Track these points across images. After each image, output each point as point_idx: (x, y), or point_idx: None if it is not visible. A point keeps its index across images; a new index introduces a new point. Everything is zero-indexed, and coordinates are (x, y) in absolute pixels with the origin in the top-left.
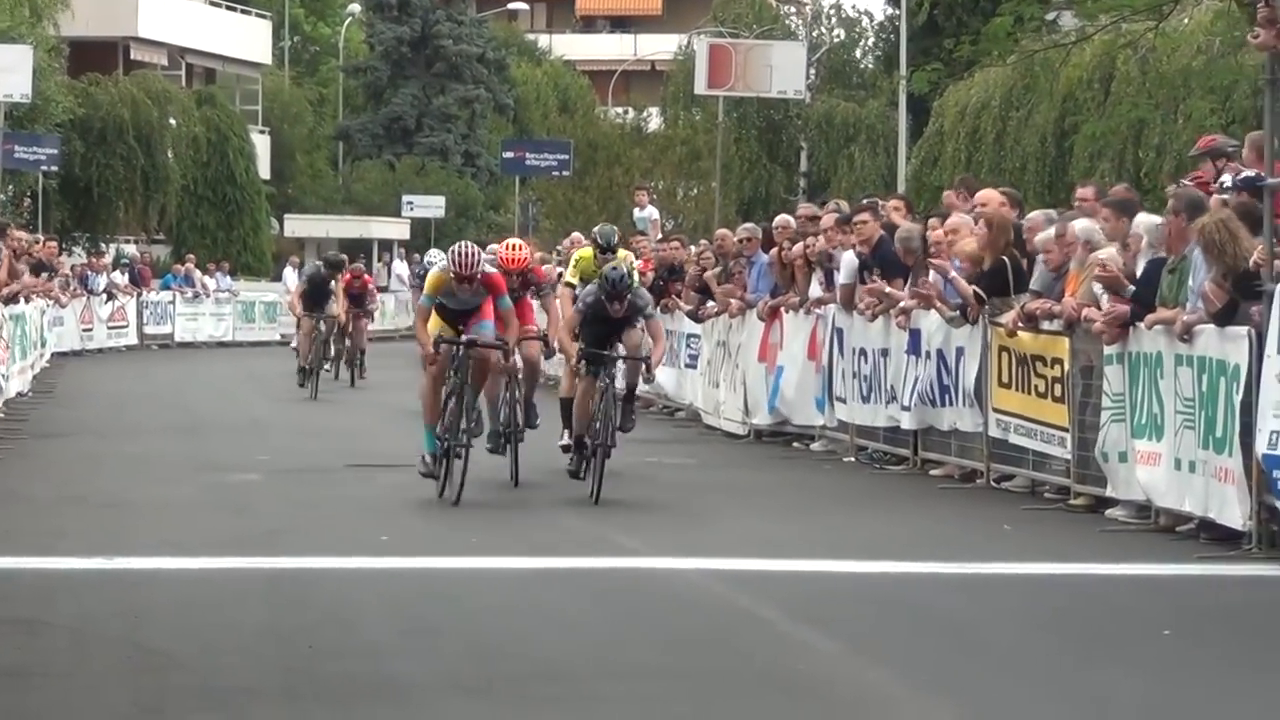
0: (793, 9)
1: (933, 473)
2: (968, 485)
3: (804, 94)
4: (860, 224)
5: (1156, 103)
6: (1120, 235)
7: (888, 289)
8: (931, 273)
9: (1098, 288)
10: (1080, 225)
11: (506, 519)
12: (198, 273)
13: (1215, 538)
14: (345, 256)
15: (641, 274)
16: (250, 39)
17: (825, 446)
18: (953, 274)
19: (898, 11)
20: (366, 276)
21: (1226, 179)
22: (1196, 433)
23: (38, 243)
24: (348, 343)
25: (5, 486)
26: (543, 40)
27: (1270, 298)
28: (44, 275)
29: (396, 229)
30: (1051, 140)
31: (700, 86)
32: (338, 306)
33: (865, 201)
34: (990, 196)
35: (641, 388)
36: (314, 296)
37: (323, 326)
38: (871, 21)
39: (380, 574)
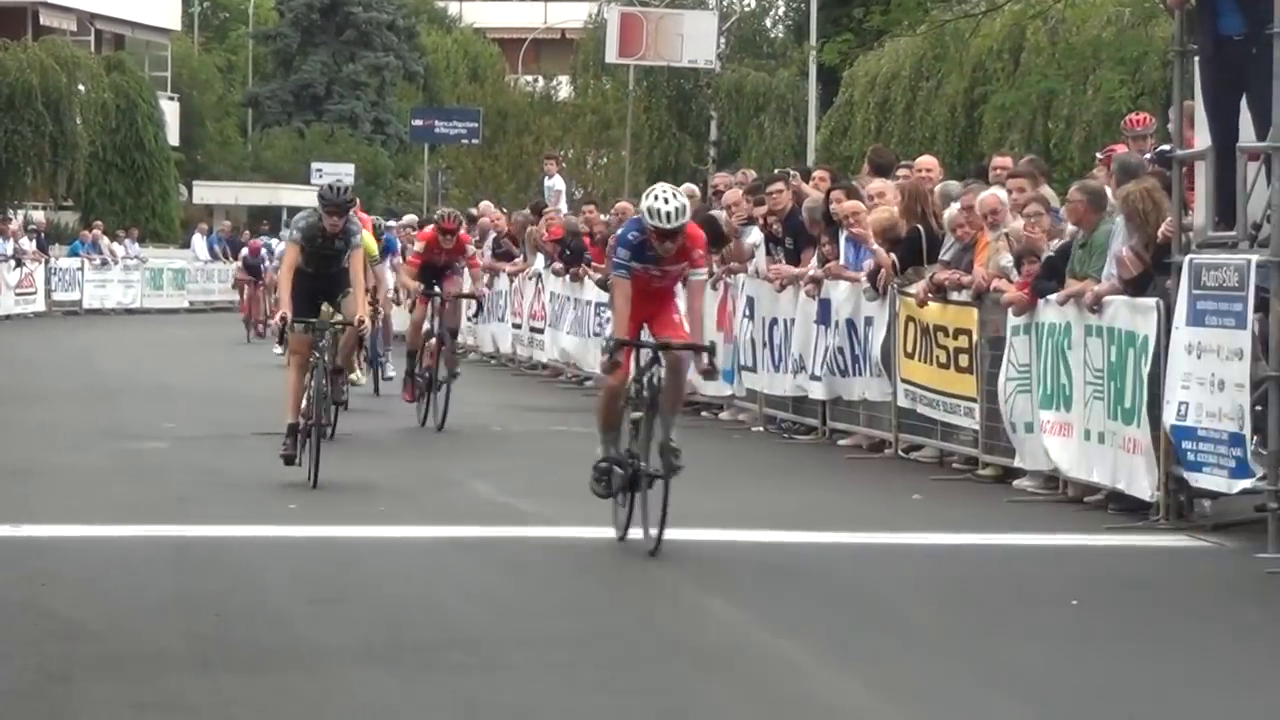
0: None
1: (841, 443)
2: (876, 455)
3: (714, 63)
4: (775, 194)
5: (1066, 74)
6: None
7: (795, 270)
8: (842, 245)
9: (1007, 259)
10: (1001, 194)
11: (414, 488)
12: (105, 239)
13: (1123, 508)
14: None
15: (545, 242)
16: (159, 5)
17: (734, 416)
18: (875, 246)
19: None
20: (464, 233)
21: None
22: (1105, 404)
23: None
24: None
25: None
26: (453, 8)
27: (1178, 270)
28: None
29: (305, 196)
30: (961, 110)
31: (611, 55)
32: (391, 291)
33: (777, 171)
34: (929, 163)
35: (551, 355)
36: (314, 281)
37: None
38: None
39: (288, 542)
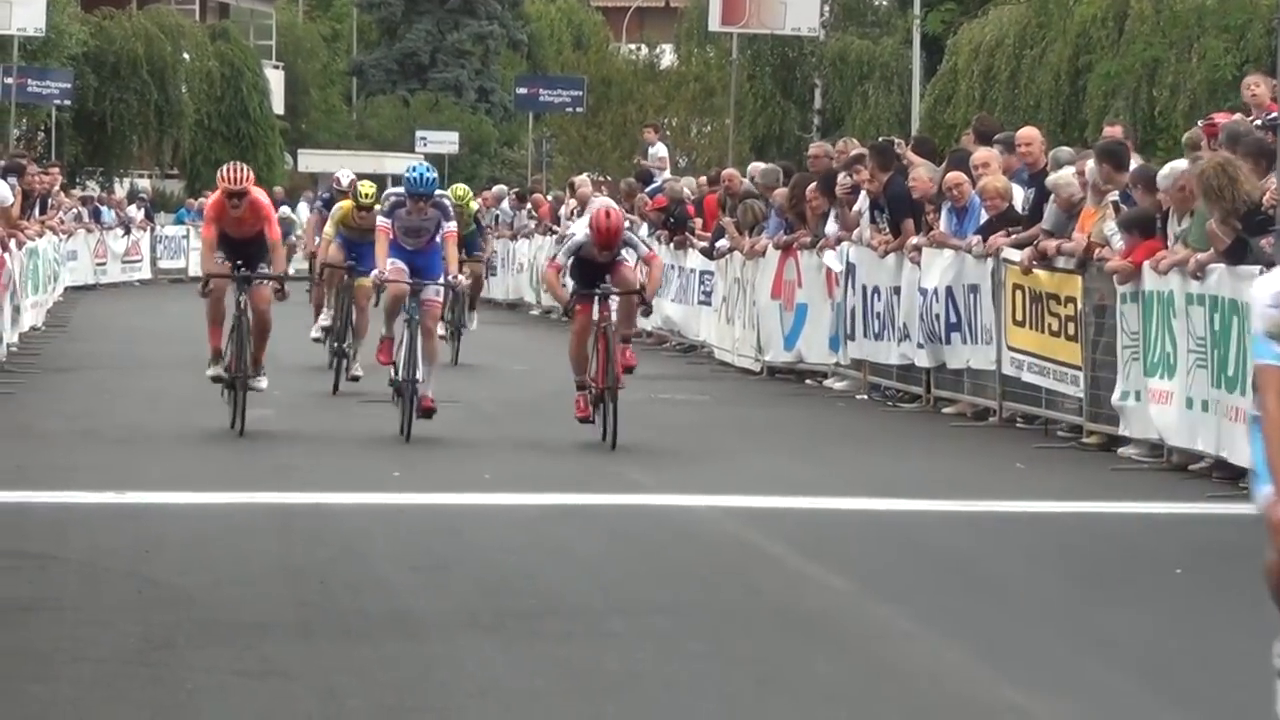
0: None
1: (945, 411)
2: (980, 424)
3: (818, 31)
4: (857, 170)
5: (1170, 42)
6: (1115, 184)
7: (912, 239)
8: (944, 213)
9: (1110, 226)
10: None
11: (519, 455)
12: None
13: (1227, 476)
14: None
15: (649, 211)
16: None
17: (839, 384)
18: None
19: None
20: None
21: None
22: (1209, 371)
23: (47, 173)
24: None
25: (18, 420)
26: None
27: None
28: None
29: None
30: (1065, 79)
31: (714, 23)
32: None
33: (881, 140)
34: (1030, 135)
35: (655, 323)
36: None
37: None
38: None
39: (392, 510)
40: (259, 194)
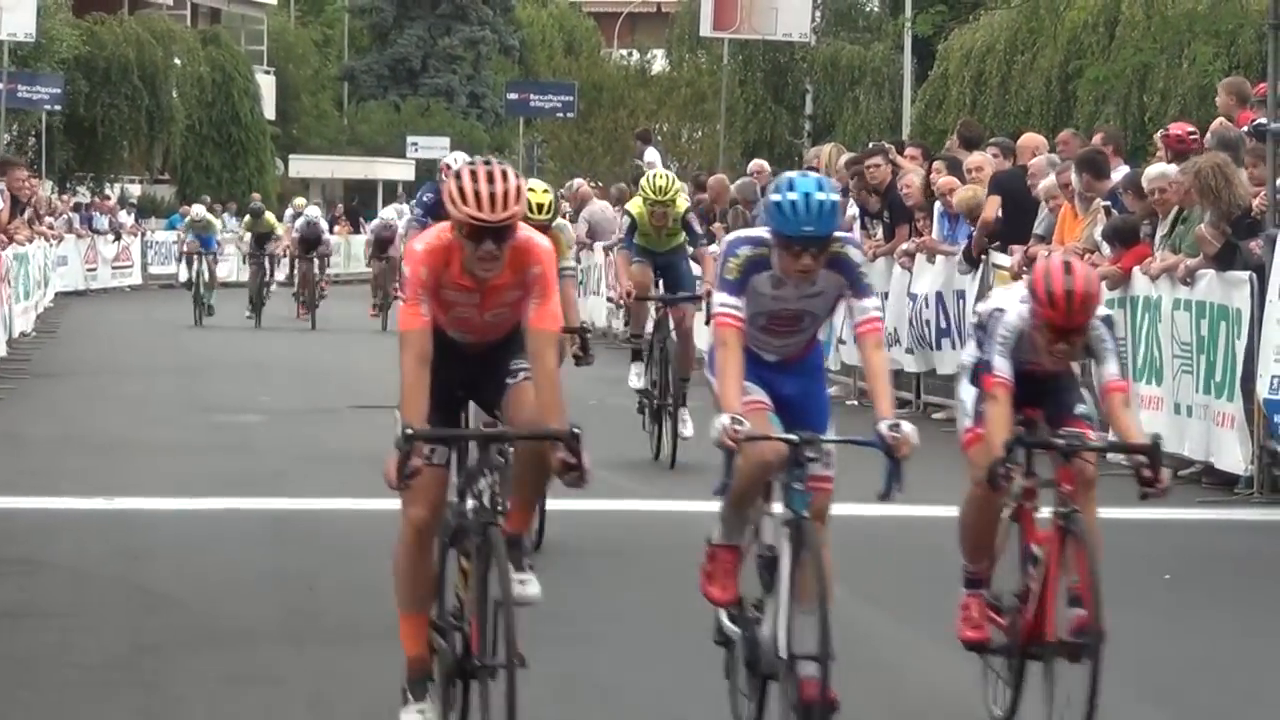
0: None
1: (935, 416)
2: None
3: (809, 37)
4: (873, 168)
5: (1161, 47)
6: (1097, 192)
7: (902, 246)
8: (936, 218)
9: (1099, 233)
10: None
11: None
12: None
13: (1217, 482)
14: None
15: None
16: None
17: (828, 389)
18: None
19: None
20: None
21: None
22: (1195, 377)
23: (36, 177)
24: None
25: (7, 426)
26: None
27: (1272, 242)
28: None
29: (401, 170)
30: (1056, 84)
31: (706, 29)
32: None
33: (872, 145)
34: (1035, 141)
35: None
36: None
37: None
38: None
39: (383, 516)
40: (534, 236)
